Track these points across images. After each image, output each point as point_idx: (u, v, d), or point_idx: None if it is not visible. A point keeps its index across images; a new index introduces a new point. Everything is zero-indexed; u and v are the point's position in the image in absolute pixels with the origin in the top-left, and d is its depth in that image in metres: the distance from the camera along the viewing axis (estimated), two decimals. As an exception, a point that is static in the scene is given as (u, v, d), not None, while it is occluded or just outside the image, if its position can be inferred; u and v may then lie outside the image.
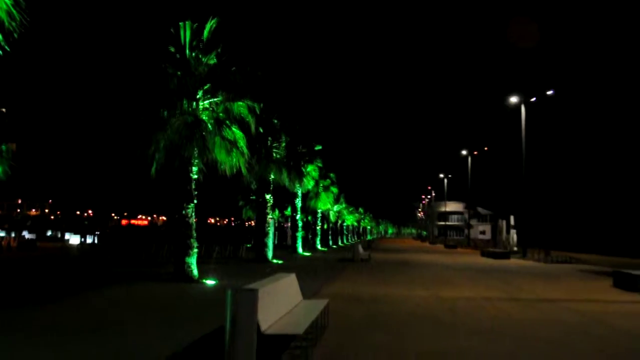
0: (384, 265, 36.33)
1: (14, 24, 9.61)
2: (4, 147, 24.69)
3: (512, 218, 61.88)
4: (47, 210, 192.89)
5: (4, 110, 25.77)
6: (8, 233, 79.05)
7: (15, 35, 9.65)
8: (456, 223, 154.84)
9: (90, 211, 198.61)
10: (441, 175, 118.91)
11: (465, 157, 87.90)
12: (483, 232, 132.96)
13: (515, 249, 57.20)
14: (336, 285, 21.99)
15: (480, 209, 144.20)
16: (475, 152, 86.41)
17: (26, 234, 73.17)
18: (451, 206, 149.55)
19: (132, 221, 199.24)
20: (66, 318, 13.70)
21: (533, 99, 53.78)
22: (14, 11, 9.60)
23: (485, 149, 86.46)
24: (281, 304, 10.57)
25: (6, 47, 9.64)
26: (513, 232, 60.72)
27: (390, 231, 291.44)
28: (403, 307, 16.42)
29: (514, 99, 54.58)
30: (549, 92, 53.37)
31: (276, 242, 42.74)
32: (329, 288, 20.73)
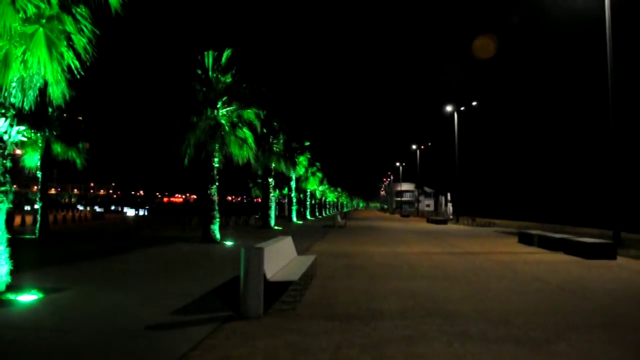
0: (356, 230, 36.27)
1: (87, 55, 9.45)
2: (80, 145, 24.62)
3: (448, 194, 62.23)
4: (111, 191, 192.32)
5: (80, 118, 25.56)
6: (84, 207, 78.80)
7: (88, 64, 9.53)
8: (409, 199, 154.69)
9: (141, 191, 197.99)
10: (397, 164, 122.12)
11: (415, 150, 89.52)
12: (428, 205, 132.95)
13: (451, 217, 57.43)
14: (320, 245, 21.89)
15: (426, 188, 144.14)
16: (422, 147, 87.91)
17: (97, 208, 73.07)
18: (405, 186, 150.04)
19: (171, 199, 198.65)
20: (129, 268, 13.53)
21: (462, 108, 54.80)
22: (88, 47, 9.46)
23: (429, 144, 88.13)
24: (281, 258, 10.43)
25: (81, 72, 9.47)
26: (450, 204, 61.00)
27: (361, 205, 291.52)
28: (371, 260, 16.33)
29: (449, 108, 55.72)
30: (474, 103, 54.39)
31: (277, 214, 42.64)
32: (316, 247, 20.63)
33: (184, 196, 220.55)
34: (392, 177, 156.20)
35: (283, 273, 9.71)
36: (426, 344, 6.50)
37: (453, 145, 53.64)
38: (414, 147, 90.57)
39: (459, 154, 53.27)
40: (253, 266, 7.79)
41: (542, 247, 20.76)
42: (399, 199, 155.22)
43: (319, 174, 65.40)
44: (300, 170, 48.02)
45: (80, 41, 9.50)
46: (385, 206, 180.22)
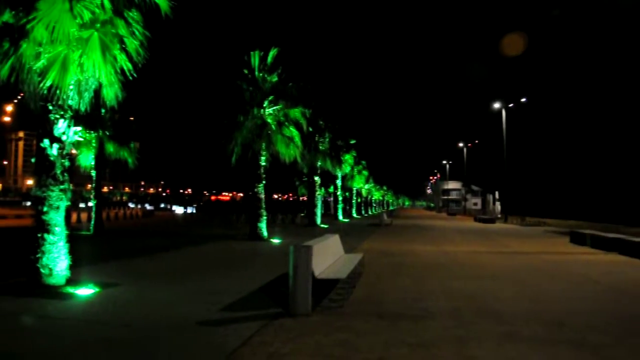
0: (402, 228, 36.01)
1: (139, 57, 9.73)
2: (132, 144, 25.33)
3: (496, 193, 60.91)
4: (160, 189, 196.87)
5: (132, 118, 26.26)
6: (135, 205, 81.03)
7: (140, 66, 9.80)
8: (455, 197, 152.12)
9: (189, 189, 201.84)
10: (444, 162, 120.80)
11: (462, 147, 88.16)
12: (475, 204, 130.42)
13: (499, 216, 56.20)
14: (367, 243, 21.81)
15: (473, 186, 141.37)
16: (470, 144, 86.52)
17: (147, 206, 74.96)
18: (451, 184, 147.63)
19: (219, 197, 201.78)
20: (179, 264, 13.85)
21: (511, 105, 53.56)
22: (139, 49, 9.75)
23: (476, 141, 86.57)
24: (328, 256, 10.45)
25: (133, 74, 9.75)
26: (498, 203, 59.75)
27: (406, 203, 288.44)
28: (419, 259, 16.18)
29: (497, 105, 54.49)
30: (523, 100, 53.11)
31: (322, 212, 42.69)
32: (363, 245, 20.57)
33: (231, 194, 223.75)
34: (438, 175, 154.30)
35: (331, 271, 9.73)
36: (477, 345, 6.39)
37: (501, 142, 52.57)
38: (460, 144, 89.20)
39: (507, 152, 52.18)
40: (302, 264, 7.83)
41: (595, 248, 20.07)
42: (445, 197, 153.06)
43: (365, 172, 65.20)
44: (346, 169, 47.91)
45: (132, 44, 9.78)
46: (432, 204, 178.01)
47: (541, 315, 8.09)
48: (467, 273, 13.04)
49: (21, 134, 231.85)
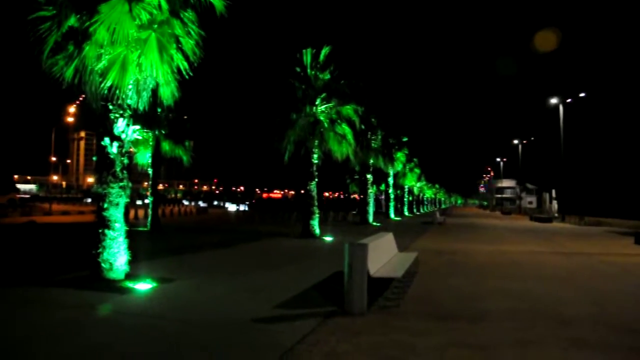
0: (456, 227, 35.38)
1: (194, 56, 9.89)
2: (187, 143, 25.81)
3: (553, 191, 59.14)
4: (213, 187, 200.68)
5: (185, 117, 26.76)
6: (189, 202, 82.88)
7: (195, 65, 9.96)
8: (509, 195, 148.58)
9: (242, 187, 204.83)
10: (498, 159, 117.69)
11: (517, 145, 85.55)
12: (530, 203, 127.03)
13: (556, 215, 54.42)
14: (421, 242, 21.49)
15: (528, 185, 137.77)
16: (525, 141, 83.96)
17: (200, 203, 76.39)
18: (505, 182, 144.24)
19: (270, 194, 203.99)
20: (233, 261, 14.01)
21: (569, 100, 51.75)
22: (195, 49, 9.91)
23: (532, 138, 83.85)
24: (382, 255, 10.33)
25: (190, 73, 9.93)
26: (554, 202, 57.96)
27: (459, 201, 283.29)
28: (474, 258, 15.81)
29: (554, 100, 52.70)
30: (581, 95, 51.21)
31: (373, 209, 42.44)
32: (416, 243, 20.28)
33: (282, 192, 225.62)
34: (492, 173, 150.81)
35: (385, 269, 9.61)
36: (539, 349, 6.14)
37: (558, 139, 50.79)
38: (515, 141, 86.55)
39: (565, 148, 50.40)
40: (357, 262, 7.73)
41: (663, 249, 19.12)
42: (499, 195, 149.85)
43: (417, 170, 64.46)
44: (398, 167, 47.48)
45: (187, 43, 9.97)
46: (485, 203, 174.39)
47: (608, 320, 7.71)
48: (526, 273, 12.63)
49: (82, 134, 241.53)
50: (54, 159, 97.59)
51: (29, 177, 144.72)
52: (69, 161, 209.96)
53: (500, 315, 7.89)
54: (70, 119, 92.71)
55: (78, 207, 53.27)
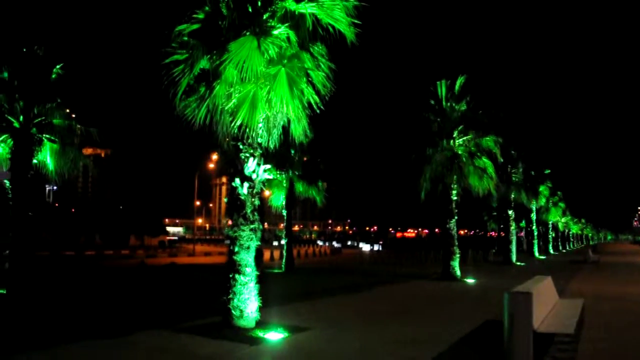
0: (612, 266, 31.51)
1: (325, 90, 9.43)
2: (320, 183, 25.79)
3: None
4: (347, 227, 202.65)
5: (319, 159, 26.82)
6: (324, 242, 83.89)
7: (327, 99, 9.52)
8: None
9: (375, 227, 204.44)
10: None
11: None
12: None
13: None
14: (576, 284, 19.00)
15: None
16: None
17: (335, 243, 76.89)
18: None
19: (404, 233, 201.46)
20: (370, 307, 13.08)
21: None
22: (325, 82, 9.46)
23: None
24: (543, 304, 8.79)
25: (321, 106, 9.44)
26: None
27: (609, 237, 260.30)
28: (649, 306, 13.40)
29: None
30: None
31: (515, 248, 39.58)
32: (570, 286, 17.94)
33: (416, 231, 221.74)
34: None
35: (550, 322, 8.12)
36: None
37: None
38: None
39: None
40: (520, 314, 6.48)
41: None
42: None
43: (562, 204, 59.99)
44: (541, 201, 44.43)
45: (317, 76, 9.52)
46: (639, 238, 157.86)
47: None
48: None
49: (224, 179, 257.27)
50: (197, 203, 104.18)
51: (177, 220, 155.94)
52: (211, 205, 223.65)
53: None
54: (211, 165, 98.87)
55: (219, 248, 55.74)
